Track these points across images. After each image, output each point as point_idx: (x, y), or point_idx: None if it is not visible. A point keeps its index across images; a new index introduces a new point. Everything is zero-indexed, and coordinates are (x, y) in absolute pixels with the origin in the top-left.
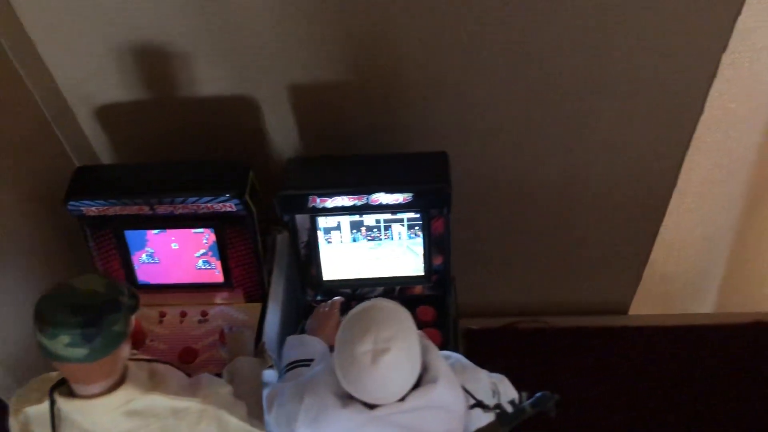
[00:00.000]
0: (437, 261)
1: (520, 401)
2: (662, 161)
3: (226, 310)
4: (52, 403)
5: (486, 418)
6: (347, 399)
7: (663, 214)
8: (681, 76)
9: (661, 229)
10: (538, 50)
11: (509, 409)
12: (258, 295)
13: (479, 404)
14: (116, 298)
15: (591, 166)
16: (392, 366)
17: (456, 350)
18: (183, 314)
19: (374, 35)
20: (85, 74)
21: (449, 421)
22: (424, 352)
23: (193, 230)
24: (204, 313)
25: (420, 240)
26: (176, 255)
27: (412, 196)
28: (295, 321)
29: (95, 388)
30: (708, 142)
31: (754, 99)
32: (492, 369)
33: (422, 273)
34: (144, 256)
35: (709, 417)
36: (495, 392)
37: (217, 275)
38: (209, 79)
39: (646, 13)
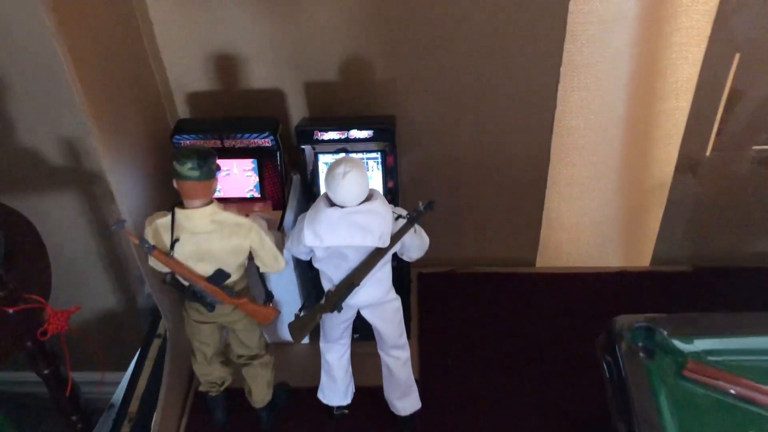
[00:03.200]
0: (390, 184)
1: (417, 209)
2: (534, 131)
3: (261, 214)
4: (173, 214)
5: (401, 223)
6: (330, 204)
7: (545, 182)
8: (533, 70)
9: (554, 197)
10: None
11: (413, 214)
12: (280, 205)
13: (400, 216)
14: (213, 153)
15: (490, 144)
16: (353, 181)
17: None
18: None
19: (361, 55)
20: (183, 71)
21: (384, 224)
22: (370, 187)
23: (244, 160)
24: (246, 215)
25: (380, 168)
26: (231, 179)
27: (373, 133)
28: None
29: (197, 203)
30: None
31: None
32: (435, 303)
33: (382, 189)
34: None
35: None
36: (408, 213)
37: (256, 192)
38: (260, 77)
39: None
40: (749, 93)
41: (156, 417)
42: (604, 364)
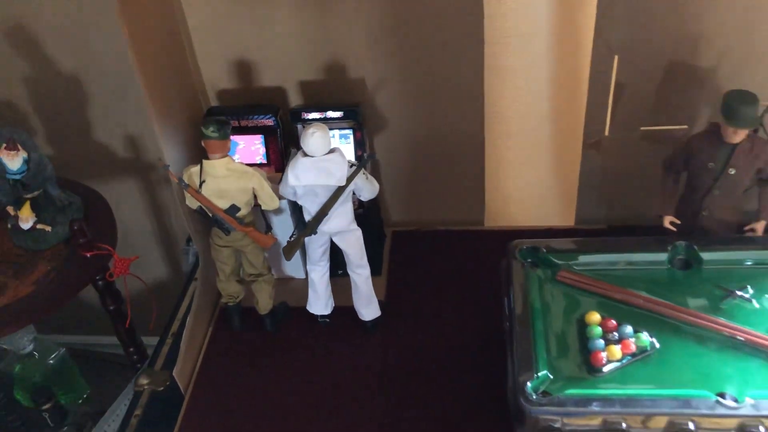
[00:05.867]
0: (359, 153)
1: (363, 159)
2: (469, 118)
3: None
4: (201, 165)
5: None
6: (304, 155)
7: (483, 158)
8: (463, 71)
9: (493, 170)
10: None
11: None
12: (281, 169)
13: (353, 165)
14: (227, 122)
15: (439, 128)
16: (319, 138)
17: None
18: None
19: (339, 61)
20: (213, 72)
21: (341, 169)
22: (335, 147)
23: (255, 135)
24: None
25: (352, 141)
26: (245, 149)
27: (343, 114)
28: None
29: (217, 156)
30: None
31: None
32: (402, 252)
33: (354, 157)
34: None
35: None
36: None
37: (263, 159)
38: (267, 78)
39: None
40: (630, 85)
41: (188, 323)
42: (504, 278)
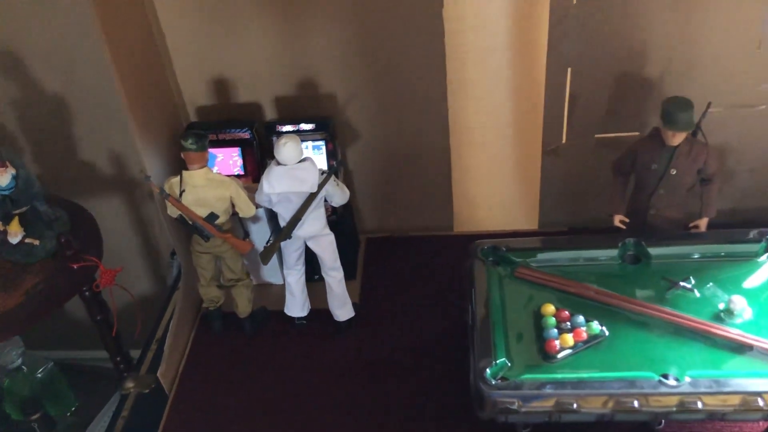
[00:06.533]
0: (331, 162)
1: (332, 166)
2: (436, 129)
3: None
4: (181, 175)
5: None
6: (278, 164)
7: (450, 167)
8: (427, 85)
9: (460, 178)
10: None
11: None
12: (258, 178)
13: (324, 172)
14: (206, 135)
15: (406, 139)
16: (290, 148)
17: (358, 248)
18: None
19: (312, 79)
20: (191, 90)
21: (313, 176)
22: (307, 156)
23: (232, 148)
24: None
25: (324, 152)
26: (223, 161)
27: (315, 126)
28: None
29: (196, 167)
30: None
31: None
32: (376, 257)
33: (326, 166)
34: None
35: None
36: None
37: (241, 171)
38: (244, 94)
39: None
40: (583, 96)
41: (171, 327)
42: (467, 276)
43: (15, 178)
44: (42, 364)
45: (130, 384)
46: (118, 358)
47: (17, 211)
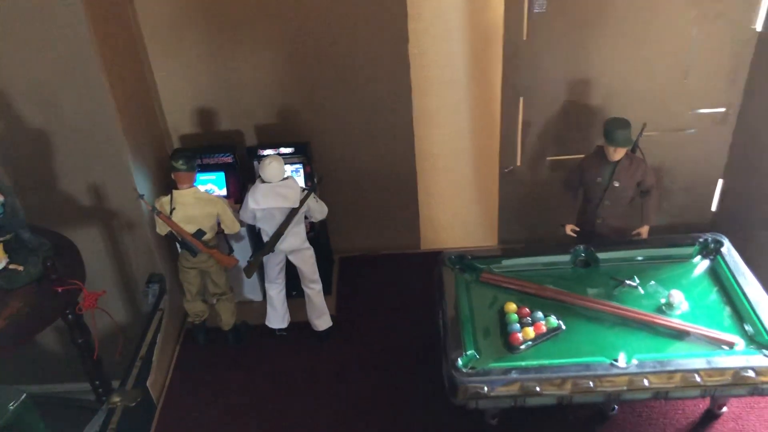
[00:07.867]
0: (308, 184)
1: (313, 183)
2: (402, 157)
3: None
4: (171, 194)
5: (305, 193)
6: (262, 181)
7: (416, 190)
8: (395, 114)
9: (424, 200)
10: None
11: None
12: (240, 199)
13: (305, 189)
14: (195, 156)
15: (377, 163)
16: (274, 166)
17: (332, 267)
18: None
19: (290, 108)
20: (176, 120)
21: (295, 193)
22: (288, 175)
23: (216, 172)
24: None
25: (302, 174)
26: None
27: (294, 149)
28: None
29: (185, 186)
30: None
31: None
32: (350, 274)
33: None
34: None
35: None
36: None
37: (223, 193)
38: (225, 123)
39: None
40: (535, 122)
41: (158, 341)
42: (436, 283)
43: (2, 205)
44: (15, 396)
45: (116, 398)
46: (98, 382)
47: (2, 239)
